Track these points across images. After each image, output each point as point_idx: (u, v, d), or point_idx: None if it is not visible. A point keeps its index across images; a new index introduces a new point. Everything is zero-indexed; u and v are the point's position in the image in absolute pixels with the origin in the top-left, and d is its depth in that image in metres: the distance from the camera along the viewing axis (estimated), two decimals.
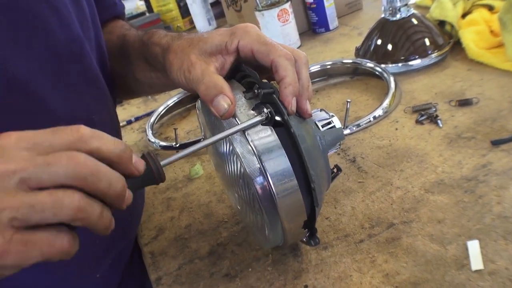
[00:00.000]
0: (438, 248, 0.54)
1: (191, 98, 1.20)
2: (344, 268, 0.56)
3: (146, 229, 0.77)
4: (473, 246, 0.52)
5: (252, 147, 0.47)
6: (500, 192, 0.59)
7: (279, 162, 0.47)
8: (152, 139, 1.03)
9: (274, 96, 0.49)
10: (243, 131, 0.48)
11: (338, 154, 0.79)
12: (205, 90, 0.50)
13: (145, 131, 1.08)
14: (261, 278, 0.59)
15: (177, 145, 0.96)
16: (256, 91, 0.50)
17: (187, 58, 0.54)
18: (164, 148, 0.99)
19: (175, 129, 0.97)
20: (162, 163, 0.44)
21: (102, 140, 0.40)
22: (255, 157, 0.47)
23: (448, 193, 0.62)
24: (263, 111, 0.48)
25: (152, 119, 1.13)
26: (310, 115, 0.53)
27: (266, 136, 0.47)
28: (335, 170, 0.61)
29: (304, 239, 0.56)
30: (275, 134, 0.48)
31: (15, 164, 0.35)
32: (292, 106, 0.50)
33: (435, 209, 0.60)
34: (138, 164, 0.43)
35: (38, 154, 0.36)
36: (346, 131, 0.84)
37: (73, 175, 0.36)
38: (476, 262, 0.50)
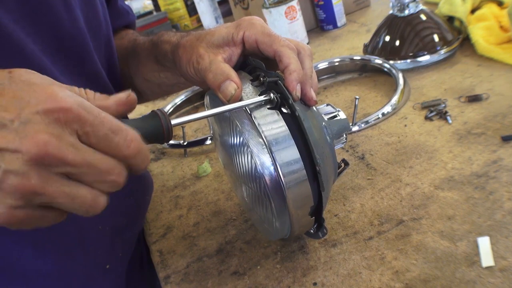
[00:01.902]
0: (448, 245, 0.54)
1: (199, 97, 1.20)
2: (353, 265, 0.56)
3: (154, 227, 0.77)
4: (484, 243, 0.52)
5: (261, 133, 0.48)
6: (511, 188, 0.58)
7: (288, 151, 0.48)
8: None
9: (280, 82, 0.50)
10: (250, 114, 0.49)
11: (347, 151, 0.79)
12: (213, 77, 0.52)
13: None
14: (269, 275, 0.59)
15: (185, 143, 0.96)
16: (262, 79, 0.51)
17: (195, 51, 0.56)
18: (172, 146, 0.99)
19: (182, 127, 0.97)
20: (172, 122, 0.44)
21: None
22: (265, 147, 0.47)
23: (458, 189, 0.61)
24: (270, 95, 0.49)
25: None
26: (316, 102, 0.54)
27: (277, 128, 0.48)
28: (342, 164, 0.61)
29: (312, 231, 0.56)
30: (283, 121, 0.49)
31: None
32: (297, 92, 0.51)
33: (445, 206, 0.60)
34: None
35: None
36: (355, 128, 0.83)
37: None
38: (487, 258, 0.50)
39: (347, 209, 0.65)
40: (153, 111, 0.44)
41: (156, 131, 0.43)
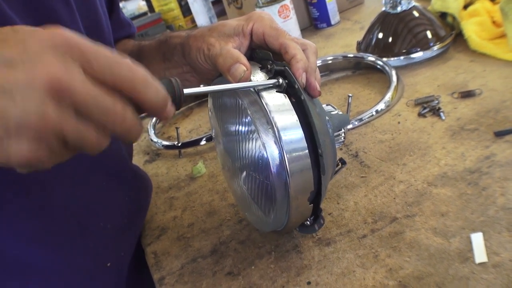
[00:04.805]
0: (442, 242, 0.54)
1: (194, 97, 1.20)
2: (347, 264, 0.56)
3: (149, 229, 0.76)
4: (477, 239, 0.52)
5: (269, 114, 0.48)
6: (504, 183, 0.58)
7: (294, 134, 0.49)
8: (155, 139, 1.03)
9: (286, 68, 0.51)
10: (259, 96, 0.50)
11: (341, 149, 0.78)
12: (223, 60, 0.53)
13: (148, 131, 1.08)
14: (264, 275, 0.58)
15: (179, 144, 0.96)
16: (269, 66, 0.52)
17: (206, 40, 0.58)
18: (167, 147, 0.99)
19: (177, 128, 0.97)
20: (184, 91, 0.44)
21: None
22: (271, 129, 0.48)
23: (451, 185, 0.61)
24: (278, 79, 0.51)
25: (154, 119, 1.13)
26: (319, 93, 0.55)
27: (284, 110, 0.49)
28: (339, 163, 0.61)
29: (308, 223, 0.56)
30: (291, 104, 0.50)
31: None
32: (303, 79, 0.52)
33: (438, 202, 0.59)
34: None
35: None
36: (349, 126, 0.83)
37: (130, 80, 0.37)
38: (480, 254, 0.50)
39: (341, 207, 0.65)
40: (167, 77, 0.44)
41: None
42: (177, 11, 2.01)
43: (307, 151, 0.49)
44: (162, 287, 0.63)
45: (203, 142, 0.95)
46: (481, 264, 0.49)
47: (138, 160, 1.02)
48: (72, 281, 0.64)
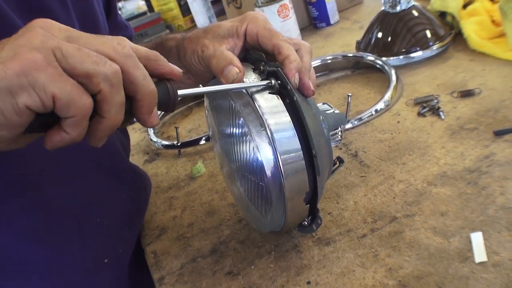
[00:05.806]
0: (441, 241, 0.54)
1: (193, 97, 1.20)
2: (347, 263, 0.56)
3: (149, 228, 0.76)
4: (477, 238, 0.52)
5: (261, 115, 0.49)
6: (503, 183, 0.58)
7: (287, 135, 0.49)
8: (154, 138, 1.03)
9: (279, 69, 0.52)
10: (251, 98, 0.50)
11: (340, 148, 0.78)
12: (216, 62, 0.53)
13: (147, 130, 1.08)
14: (263, 275, 0.58)
15: (179, 144, 0.95)
16: (262, 67, 0.53)
17: (201, 42, 0.58)
18: (166, 147, 0.99)
19: (176, 128, 0.97)
20: (178, 92, 0.45)
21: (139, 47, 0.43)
22: (265, 130, 0.48)
23: (451, 185, 0.61)
24: (271, 80, 0.51)
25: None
26: (313, 92, 0.55)
27: (277, 112, 0.49)
28: (337, 162, 0.61)
29: (306, 223, 0.56)
30: (284, 105, 0.50)
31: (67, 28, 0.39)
32: (295, 79, 0.52)
33: (438, 202, 0.59)
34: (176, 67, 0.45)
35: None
36: (348, 125, 0.83)
37: (119, 53, 0.39)
38: (480, 254, 0.50)
39: (340, 207, 0.65)
40: (162, 79, 0.45)
41: (163, 98, 0.44)
42: (177, 11, 2.01)
43: (301, 152, 0.49)
44: (162, 287, 0.63)
45: (202, 142, 0.95)
46: (480, 263, 0.49)
47: (137, 159, 1.02)
48: (71, 280, 0.64)
